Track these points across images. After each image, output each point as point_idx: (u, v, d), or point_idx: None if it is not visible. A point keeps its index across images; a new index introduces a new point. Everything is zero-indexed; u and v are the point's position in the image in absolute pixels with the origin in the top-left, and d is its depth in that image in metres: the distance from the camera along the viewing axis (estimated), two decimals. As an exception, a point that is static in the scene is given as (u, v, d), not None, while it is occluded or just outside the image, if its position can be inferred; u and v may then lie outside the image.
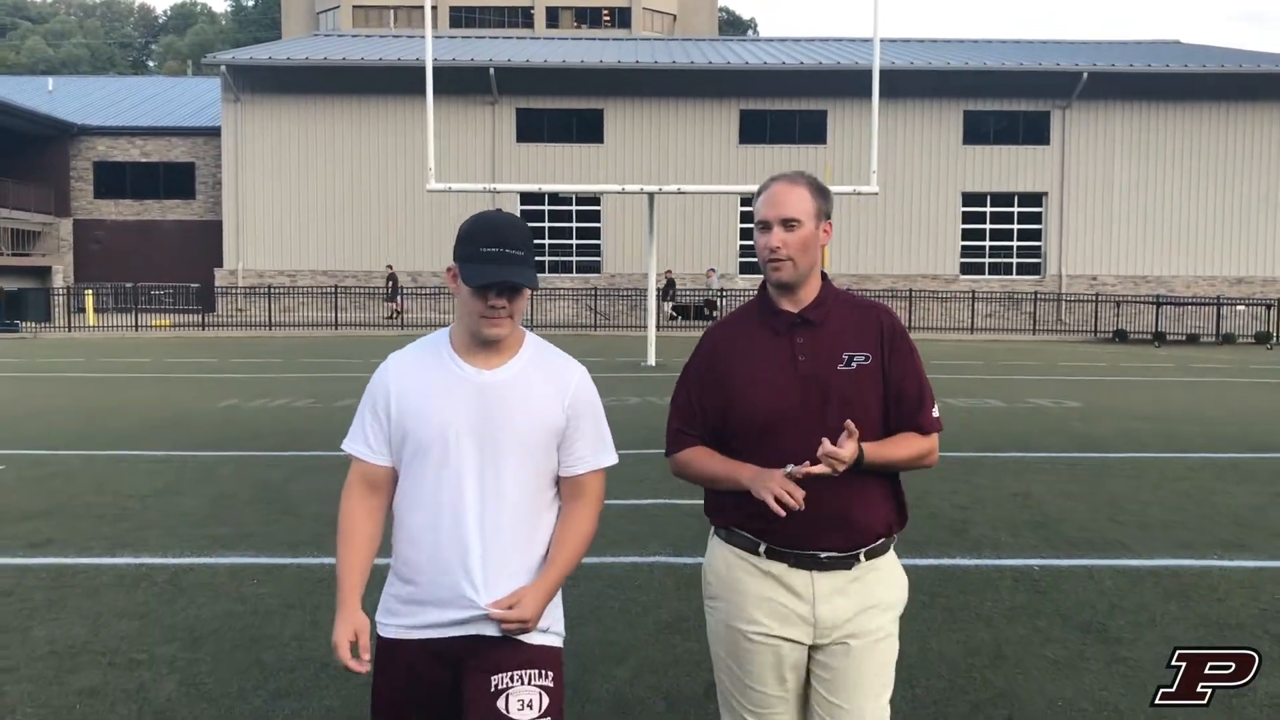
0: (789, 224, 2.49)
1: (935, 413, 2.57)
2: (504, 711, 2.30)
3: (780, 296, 2.56)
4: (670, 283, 34.16)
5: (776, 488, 2.34)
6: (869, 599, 2.49)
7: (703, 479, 2.58)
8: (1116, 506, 7.60)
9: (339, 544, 2.46)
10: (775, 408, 2.48)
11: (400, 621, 2.40)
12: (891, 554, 2.57)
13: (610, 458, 2.52)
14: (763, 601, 2.49)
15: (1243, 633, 4.89)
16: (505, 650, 2.35)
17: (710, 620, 2.63)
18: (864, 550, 2.49)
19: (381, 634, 2.44)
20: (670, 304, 34.01)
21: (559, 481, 2.48)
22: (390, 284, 34.12)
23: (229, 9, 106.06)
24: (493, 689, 2.32)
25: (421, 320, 32.74)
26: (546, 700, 2.35)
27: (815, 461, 2.34)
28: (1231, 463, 9.51)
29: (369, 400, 2.46)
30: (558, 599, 2.47)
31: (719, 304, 33.95)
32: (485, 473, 2.36)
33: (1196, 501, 7.78)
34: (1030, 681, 4.30)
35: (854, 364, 2.48)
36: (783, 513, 2.33)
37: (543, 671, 2.37)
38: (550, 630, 2.44)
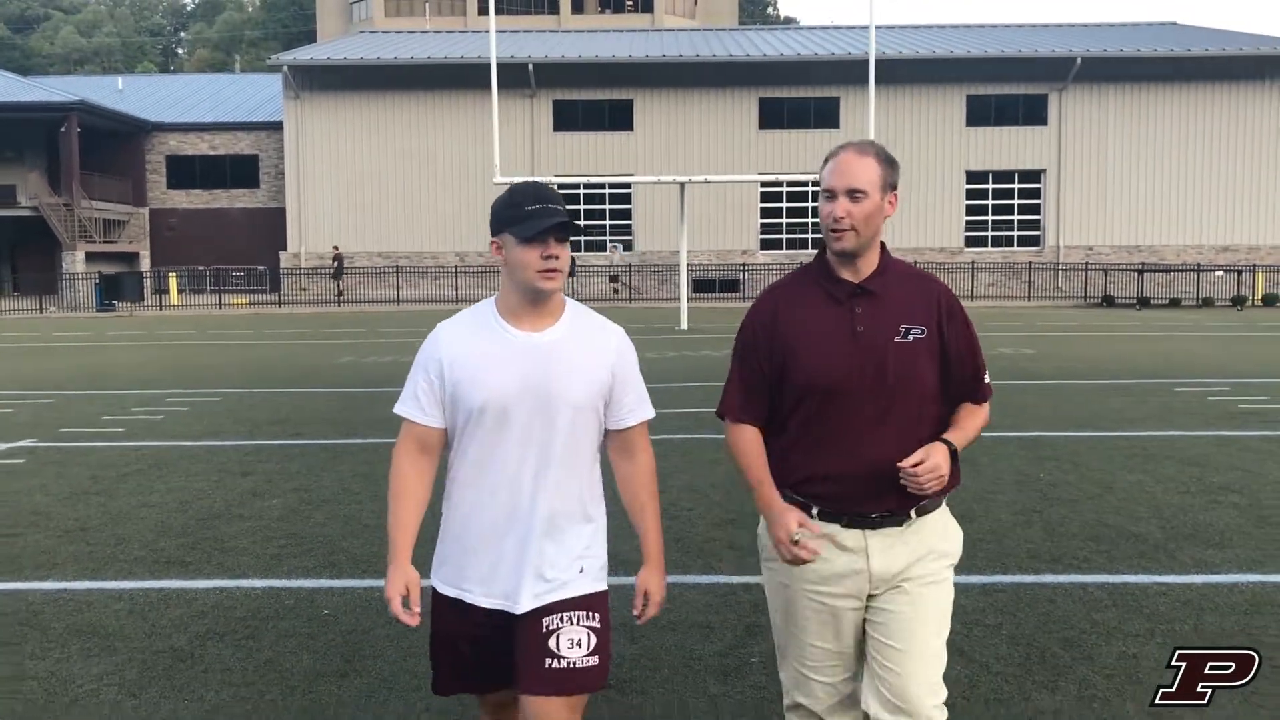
0: (854, 194, 2.50)
1: (987, 378, 2.67)
2: (555, 649, 2.48)
3: (840, 265, 2.58)
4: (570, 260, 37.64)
5: (787, 546, 2.48)
6: (922, 548, 2.57)
7: (736, 464, 2.68)
8: (1016, 408, 10.84)
9: (391, 502, 2.61)
10: (832, 376, 2.50)
11: (453, 589, 2.58)
12: (944, 509, 2.65)
13: (650, 410, 2.66)
14: (818, 560, 2.52)
15: (1058, 464, 8.12)
16: (555, 597, 2.52)
17: (767, 580, 2.71)
18: (915, 508, 2.56)
19: (436, 589, 2.60)
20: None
21: (605, 437, 2.64)
22: (336, 264, 37.64)
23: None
24: (544, 629, 2.50)
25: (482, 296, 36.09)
26: (594, 639, 2.52)
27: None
28: (1124, 386, 12.72)
29: (421, 366, 2.60)
30: (602, 546, 2.64)
31: (620, 277, 37.65)
32: (539, 432, 2.49)
33: (1074, 406, 11.03)
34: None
35: (910, 336, 2.51)
36: (796, 565, 2.51)
37: (590, 614, 2.54)
38: (596, 577, 2.60)
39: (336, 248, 38.20)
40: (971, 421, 2.60)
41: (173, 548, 6.00)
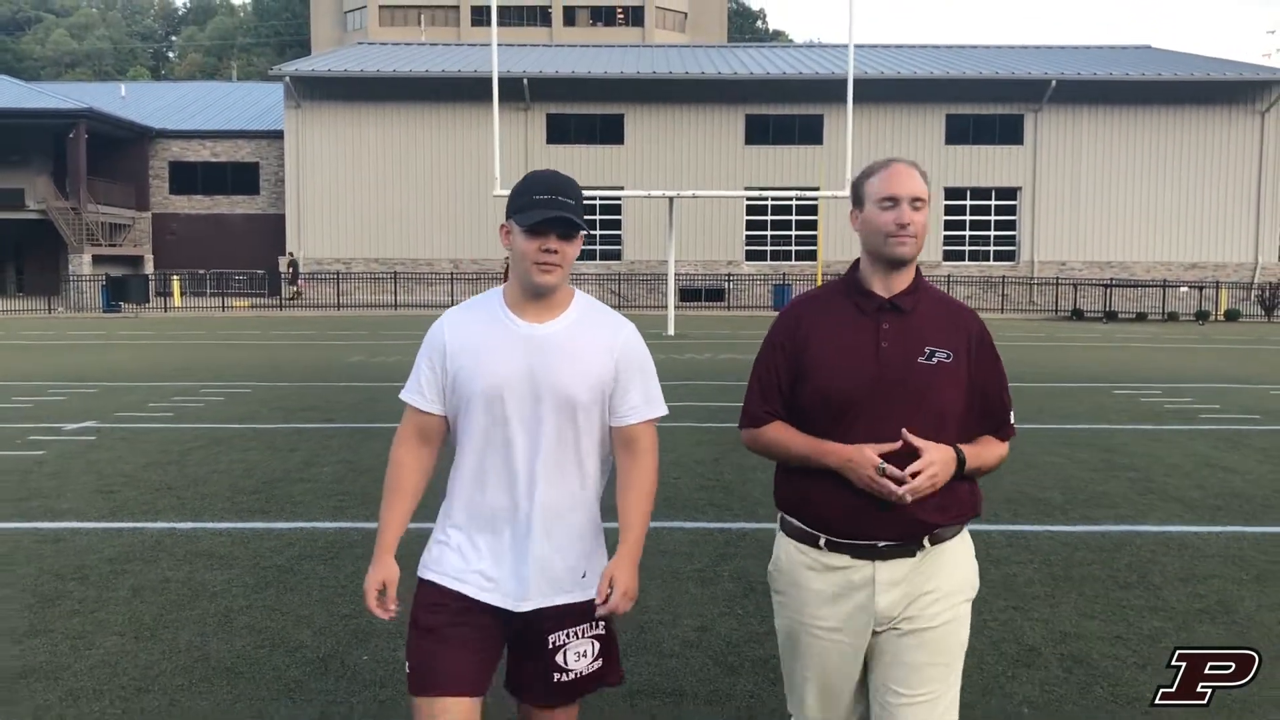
0: (916, 203, 2.48)
1: (1012, 417, 2.60)
2: (562, 664, 2.50)
3: (873, 278, 2.53)
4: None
5: (877, 480, 2.37)
6: (928, 584, 2.47)
7: (782, 455, 2.56)
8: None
9: (385, 492, 2.61)
10: (850, 388, 2.45)
11: (449, 580, 2.54)
12: (962, 537, 2.56)
13: (661, 409, 2.62)
14: (825, 598, 2.50)
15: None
16: (556, 608, 2.50)
17: (777, 612, 2.66)
18: (928, 535, 2.46)
19: (423, 577, 2.58)
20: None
21: (610, 435, 2.59)
22: (291, 269, 39.43)
23: (249, 1, 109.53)
24: (550, 646, 2.51)
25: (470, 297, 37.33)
26: (599, 646, 2.55)
27: (905, 459, 2.37)
28: (1068, 388, 14.10)
29: (425, 353, 2.59)
30: (601, 553, 2.60)
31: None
32: (536, 424, 2.47)
33: (1018, 404, 12.25)
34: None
35: (935, 359, 2.46)
36: (900, 500, 2.36)
37: (594, 623, 2.54)
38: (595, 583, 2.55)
39: (291, 253, 39.91)
40: (990, 449, 2.53)
41: (250, 501, 7.28)
